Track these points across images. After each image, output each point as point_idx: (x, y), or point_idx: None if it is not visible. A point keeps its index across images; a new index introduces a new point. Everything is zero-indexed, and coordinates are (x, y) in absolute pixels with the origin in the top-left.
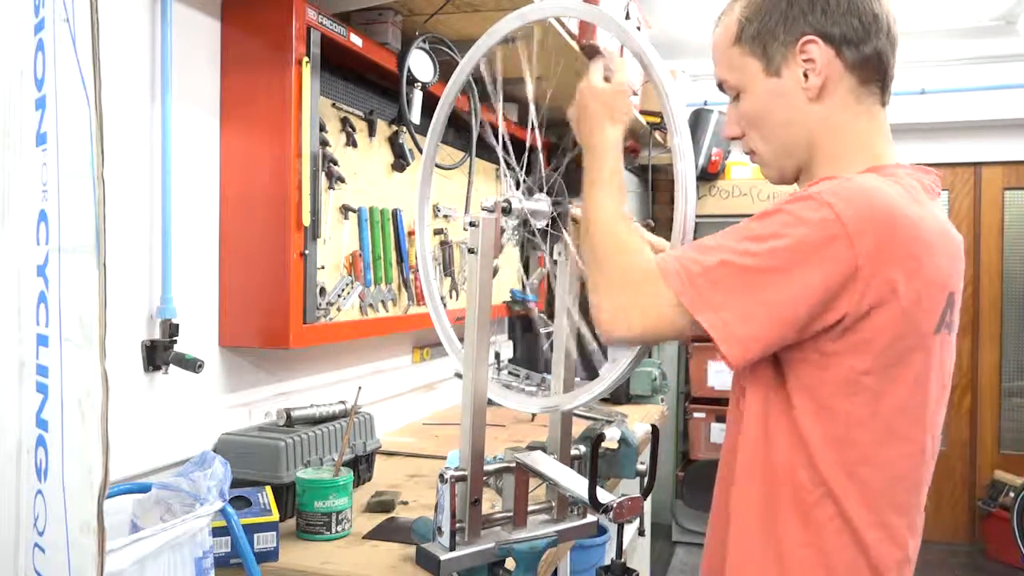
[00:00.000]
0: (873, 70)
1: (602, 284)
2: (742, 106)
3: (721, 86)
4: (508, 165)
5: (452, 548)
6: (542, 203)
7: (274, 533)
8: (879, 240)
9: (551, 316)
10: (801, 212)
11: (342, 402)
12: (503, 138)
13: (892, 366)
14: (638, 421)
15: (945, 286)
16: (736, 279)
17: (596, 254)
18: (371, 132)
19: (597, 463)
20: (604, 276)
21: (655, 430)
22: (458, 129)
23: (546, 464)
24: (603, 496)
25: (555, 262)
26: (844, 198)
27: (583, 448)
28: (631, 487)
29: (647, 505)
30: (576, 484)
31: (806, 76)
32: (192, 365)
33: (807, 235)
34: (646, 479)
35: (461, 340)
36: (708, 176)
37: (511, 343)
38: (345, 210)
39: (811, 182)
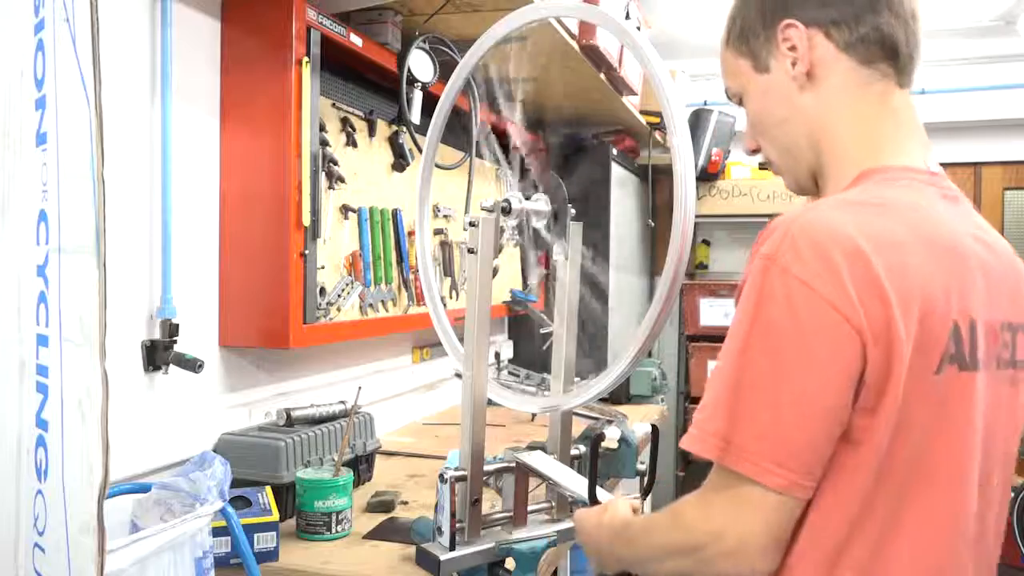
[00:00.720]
0: (877, 48)
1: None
2: (747, 113)
3: (729, 96)
4: (510, 164)
5: (452, 548)
6: (541, 203)
7: (274, 533)
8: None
9: (551, 316)
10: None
11: (342, 402)
12: (511, 140)
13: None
14: (638, 421)
15: (939, 313)
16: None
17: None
18: (371, 132)
19: (597, 462)
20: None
21: (655, 430)
22: (458, 129)
23: (546, 464)
24: (603, 495)
25: (555, 262)
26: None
27: (583, 448)
28: (631, 487)
29: (647, 505)
30: (576, 484)
31: (793, 65)
32: (192, 365)
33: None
34: (646, 478)
35: (461, 340)
36: (708, 176)
37: (511, 343)
38: (345, 210)
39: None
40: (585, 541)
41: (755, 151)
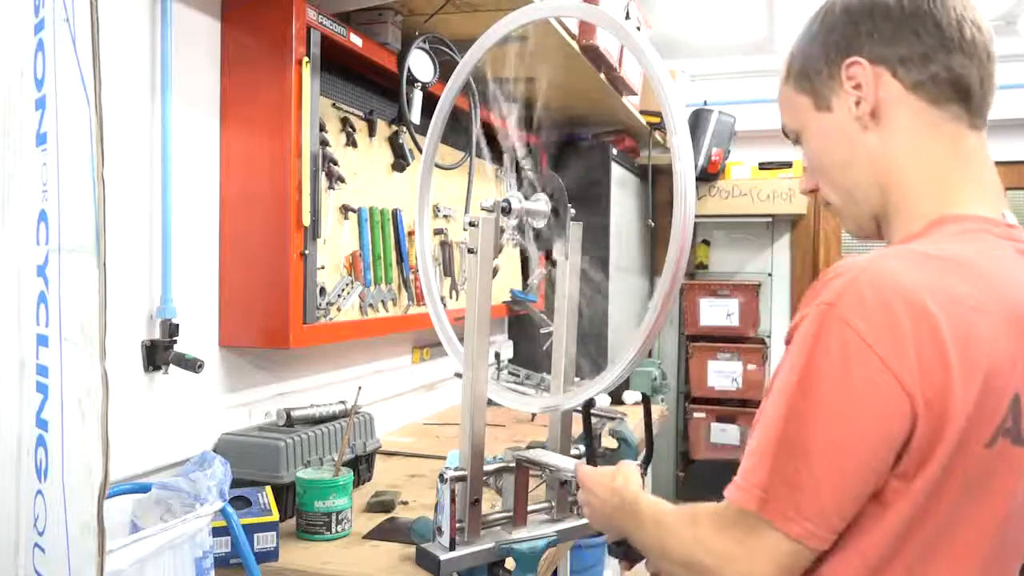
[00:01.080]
0: (948, 89)
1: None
2: (805, 152)
3: (786, 132)
4: (515, 165)
5: (452, 548)
6: (541, 203)
7: (274, 533)
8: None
9: (551, 316)
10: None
11: (342, 402)
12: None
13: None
14: (637, 421)
15: (1001, 385)
16: None
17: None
18: (371, 132)
19: (591, 423)
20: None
21: (646, 398)
22: (458, 129)
23: (544, 454)
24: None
25: (555, 262)
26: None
27: (583, 448)
28: None
29: (647, 481)
30: (572, 466)
31: (857, 104)
32: (192, 365)
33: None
34: (643, 454)
35: (461, 340)
36: (708, 176)
37: (511, 343)
38: (345, 210)
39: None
40: (588, 500)
41: (812, 191)
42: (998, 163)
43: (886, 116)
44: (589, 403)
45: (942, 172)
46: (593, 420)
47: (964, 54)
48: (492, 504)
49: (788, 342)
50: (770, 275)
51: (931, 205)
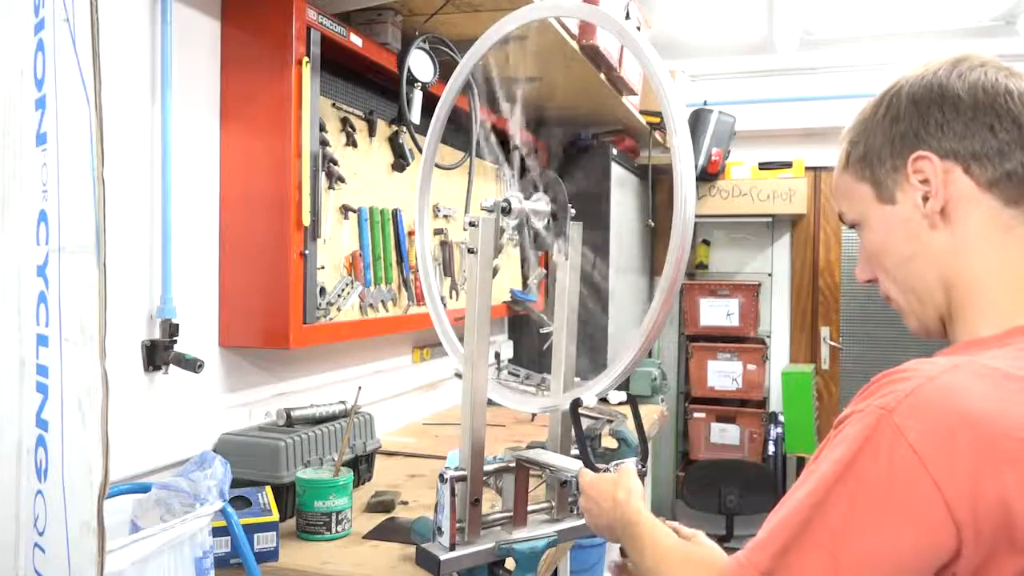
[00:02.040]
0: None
1: None
2: (863, 241)
3: (842, 219)
4: (510, 163)
5: (452, 548)
6: (541, 203)
7: (274, 533)
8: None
9: (551, 316)
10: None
11: (342, 402)
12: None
13: None
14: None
15: None
16: None
17: None
18: (371, 132)
19: (581, 426)
20: None
21: (632, 398)
22: (458, 129)
23: (545, 455)
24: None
25: (555, 262)
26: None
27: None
28: None
29: (647, 481)
30: (573, 467)
31: (925, 200)
32: (192, 365)
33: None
34: (640, 451)
35: (461, 340)
36: (708, 176)
37: (511, 343)
38: (345, 210)
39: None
40: (589, 508)
41: (870, 281)
42: None
43: (957, 215)
44: (576, 403)
45: (1019, 277)
46: (593, 420)
47: None
48: (492, 504)
49: (836, 427)
50: (770, 275)
51: (1006, 312)
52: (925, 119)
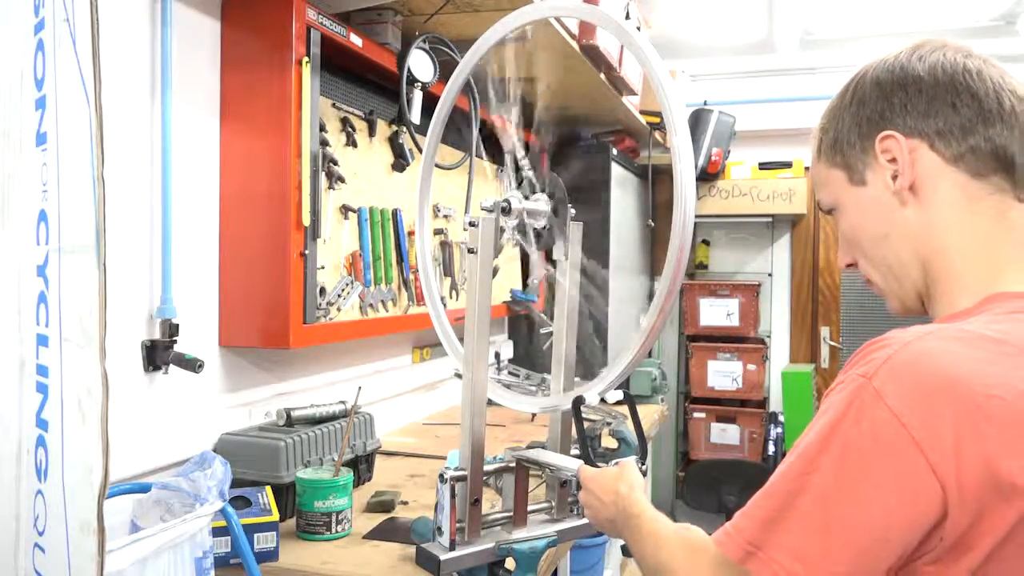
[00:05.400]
0: (989, 160)
1: None
2: (840, 225)
3: (820, 207)
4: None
5: (452, 548)
6: (541, 203)
7: (274, 533)
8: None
9: (551, 316)
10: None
11: (342, 402)
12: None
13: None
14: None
15: None
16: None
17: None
18: (371, 132)
19: (582, 423)
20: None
21: (628, 397)
22: (458, 129)
23: (545, 455)
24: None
25: (555, 262)
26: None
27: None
28: None
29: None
30: (573, 465)
31: (894, 178)
32: (192, 365)
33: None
34: (639, 450)
35: (461, 340)
36: (708, 176)
37: (511, 343)
38: (345, 210)
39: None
40: (590, 502)
41: (851, 266)
42: None
43: (925, 190)
44: (579, 400)
45: (989, 246)
46: (593, 420)
47: (1004, 124)
48: (492, 504)
49: (822, 400)
50: (770, 275)
51: (980, 281)
52: (890, 101)
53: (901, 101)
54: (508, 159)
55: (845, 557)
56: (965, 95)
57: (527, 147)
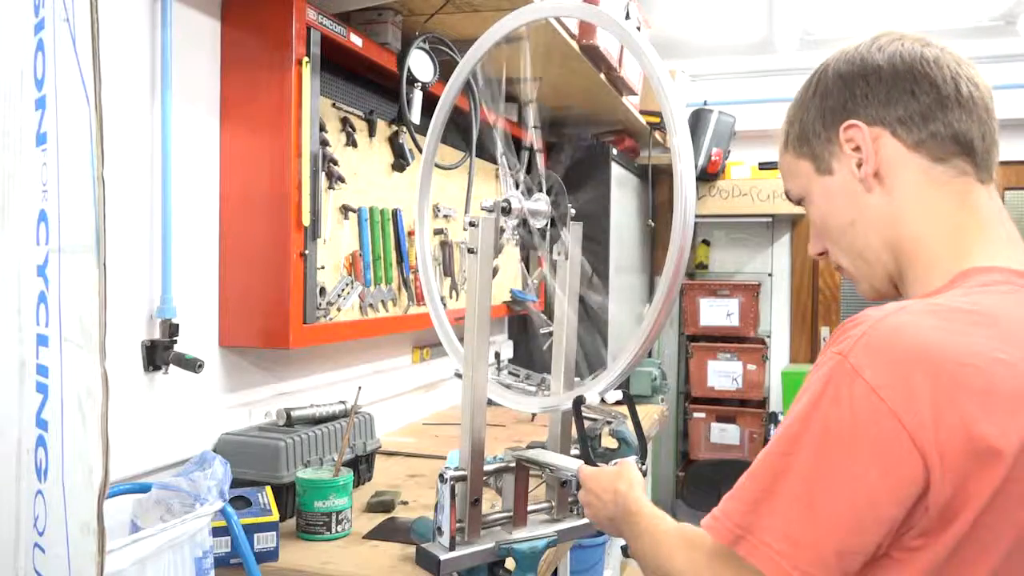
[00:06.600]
0: (950, 144)
1: None
2: (810, 215)
3: (790, 197)
4: (508, 165)
5: (452, 548)
6: (541, 203)
7: (274, 533)
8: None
9: (551, 316)
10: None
11: (342, 402)
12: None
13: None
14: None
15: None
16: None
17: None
18: (371, 132)
19: (583, 423)
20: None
21: (627, 396)
22: (458, 129)
23: (545, 455)
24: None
25: (555, 262)
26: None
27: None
28: None
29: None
30: (573, 465)
31: (859, 166)
32: (192, 365)
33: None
34: (639, 450)
35: (461, 340)
36: (708, 176)
37: (511, 343)
38: (345, 210)
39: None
40: (590, 501)
41: (821, 254)
42: (999, 163)
43: (890, 176)
44: (579, 400)
45: (955, 227)
46: (593, 420)
47: (963, 109)
48: (492, 504)
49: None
50: (770, 275)
51: (950, 260)
52: (852, 91)
53: (862, 91)
54: (508, 159)
55: (833, 534)
56: (924, 83)
57: (528, 147)
